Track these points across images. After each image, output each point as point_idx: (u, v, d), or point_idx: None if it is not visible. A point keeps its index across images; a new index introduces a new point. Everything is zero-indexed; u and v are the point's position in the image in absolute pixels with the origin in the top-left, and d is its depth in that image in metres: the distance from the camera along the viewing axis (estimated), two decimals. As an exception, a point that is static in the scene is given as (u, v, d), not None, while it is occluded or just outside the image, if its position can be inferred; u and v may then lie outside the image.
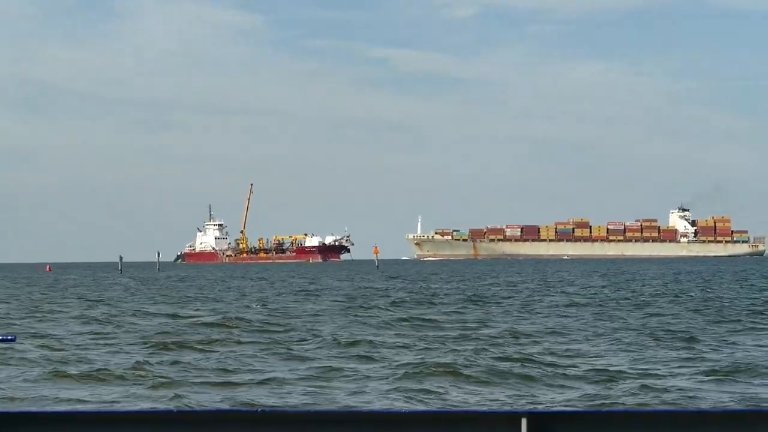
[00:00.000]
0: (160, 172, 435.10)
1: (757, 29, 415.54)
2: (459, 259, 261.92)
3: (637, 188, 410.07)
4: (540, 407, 18.32)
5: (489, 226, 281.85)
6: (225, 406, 18.88)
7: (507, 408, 17.69)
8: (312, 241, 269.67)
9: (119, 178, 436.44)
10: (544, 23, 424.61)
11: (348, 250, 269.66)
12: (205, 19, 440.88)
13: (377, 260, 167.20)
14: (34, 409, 18.16)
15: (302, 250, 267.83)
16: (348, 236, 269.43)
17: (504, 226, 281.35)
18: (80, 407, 18.84)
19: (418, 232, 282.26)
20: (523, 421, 7.41)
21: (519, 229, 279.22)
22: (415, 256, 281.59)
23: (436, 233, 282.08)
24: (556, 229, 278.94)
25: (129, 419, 7.74)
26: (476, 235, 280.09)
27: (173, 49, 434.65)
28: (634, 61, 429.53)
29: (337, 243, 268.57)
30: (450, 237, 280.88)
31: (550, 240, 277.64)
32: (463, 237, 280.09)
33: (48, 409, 18.39)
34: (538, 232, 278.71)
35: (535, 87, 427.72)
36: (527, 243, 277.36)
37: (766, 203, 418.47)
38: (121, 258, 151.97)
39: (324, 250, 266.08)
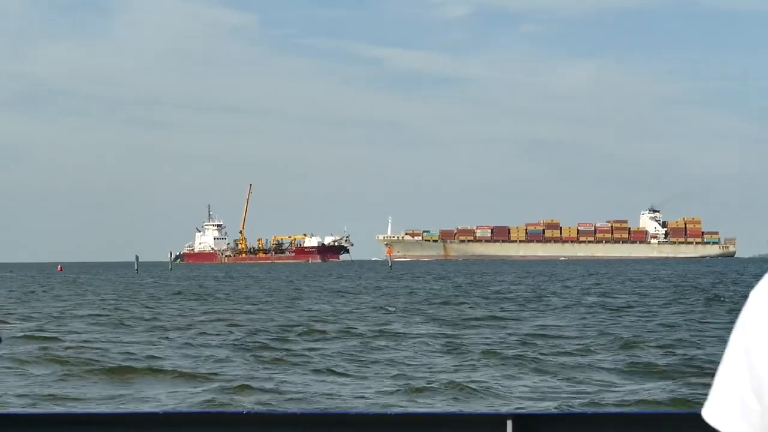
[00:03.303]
0: (158, 171, 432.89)
1: (745, 30, 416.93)
2: (429, 260, 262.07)
3: (609, 189, 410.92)
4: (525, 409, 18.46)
5: (459, 227, 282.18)
6: (210, 408, 18.85)
7: (492, 410, 17.78)
8: (311, 242, 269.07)
9: (116, 178, 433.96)
10: (538, 23, 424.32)
11: (347, 251, 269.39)
12: (201, 18, 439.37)
13: (390, 261, 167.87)
14: (16, 410, 18.11)
15: (301, 251, 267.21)
16: (347, 236, 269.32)
17: (474, 227, 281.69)
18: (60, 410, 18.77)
19: (389, 232, 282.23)
20: (509, 423, 7.43)
21: (489, 230, 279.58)
22: (385, 257, 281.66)
23: (406, 234, 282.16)
24: (526, 230, 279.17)
25: (111, 421, 7.73)
26: (446, 236, 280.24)
27: (169, 48, 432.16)
28: (623, 62, 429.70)
29: (336, 243, 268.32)
30: (420, 238, 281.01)
31: (521, 241, 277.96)
32: (434, 238, 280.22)
33: (28, 410, 18.34)
34: (509, 233, 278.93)
35: (521, 87, 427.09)
36: (497, 244, 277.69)
37: (740, 204, 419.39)
38: (137, 258, 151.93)
39: (323, 250, 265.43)
